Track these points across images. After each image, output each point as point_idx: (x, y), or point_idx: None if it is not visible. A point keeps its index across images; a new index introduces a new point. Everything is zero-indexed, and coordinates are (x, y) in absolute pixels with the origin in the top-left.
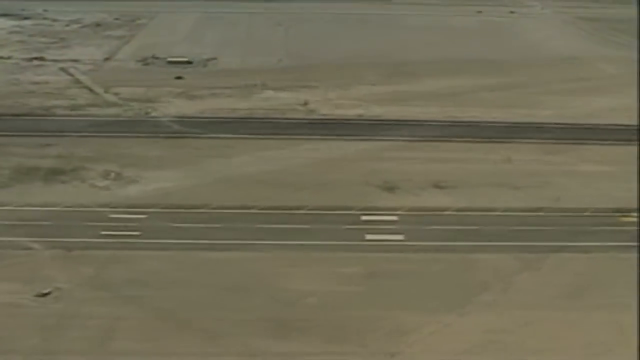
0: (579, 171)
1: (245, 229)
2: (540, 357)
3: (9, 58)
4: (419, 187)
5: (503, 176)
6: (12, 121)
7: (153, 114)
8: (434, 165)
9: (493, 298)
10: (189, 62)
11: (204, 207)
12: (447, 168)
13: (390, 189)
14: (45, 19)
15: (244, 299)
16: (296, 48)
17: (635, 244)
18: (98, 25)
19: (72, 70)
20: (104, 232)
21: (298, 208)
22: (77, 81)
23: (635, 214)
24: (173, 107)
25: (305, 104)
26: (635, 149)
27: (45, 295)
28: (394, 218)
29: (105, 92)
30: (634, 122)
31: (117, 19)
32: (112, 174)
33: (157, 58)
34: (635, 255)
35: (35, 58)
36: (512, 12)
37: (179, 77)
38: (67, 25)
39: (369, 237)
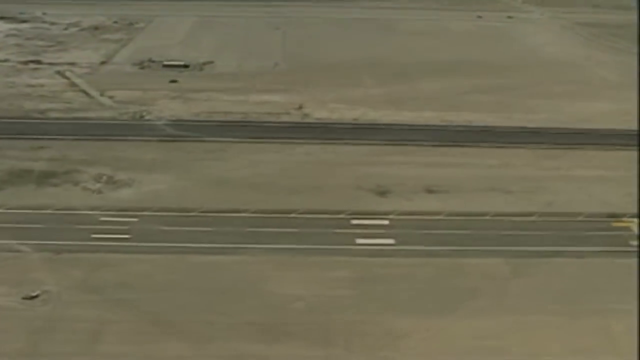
0: (572, 176)
1: (236, 232)
2: None
3: (5, 61)
4: (411, 192)
5: (496, 181)
6: (7, 124)
7: (148, 118)
8: (427, 169)
9: (483, 303)
10: (185, 66)
11: (195, 210)
12: (440, 172)
13: (382, 193)
14: (43, 22)
15: (232, 302)
16: (293, 52)
17: (628, 249)
18: (96, 28)
19: (68, 74)
20: (94, 235)
21: (289, 212)
22: (73, 84)
23: (628, 219)
24: (168, 111)
25: (300, 107)
26: (629, 153)
27: (33, 298)
28: (385, 222)
29: (101, 95)
30: (629, 127)
31: (115, 22)
32: (105, 177)
33: (153, 62)
34: (628, 260)
35: (32, 61)
36: (509, 17)
37: (173, 81)
38: (65, 29)
39: (359, 241)
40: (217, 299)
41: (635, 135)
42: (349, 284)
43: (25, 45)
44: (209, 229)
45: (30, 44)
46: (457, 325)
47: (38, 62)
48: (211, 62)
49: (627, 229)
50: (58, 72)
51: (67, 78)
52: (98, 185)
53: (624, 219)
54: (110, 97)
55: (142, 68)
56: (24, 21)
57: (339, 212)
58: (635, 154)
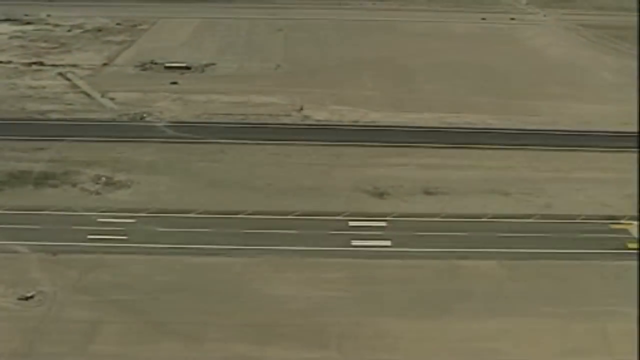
0: (571, 178)
1: (232, 234)
2: None
3: (8, 63)
4: (409, 194)
5: (494, 183)
6: (7, 125)
7: (148, 119)
8: (426, 171)
9: (478, 305)
10: (187, 68)
11: (192, 211)
12: (438, 174)
13: (380, 194)
14: (47, 24)
15: (227, 304)
16: (295, 54)
17: (625, 251)
18: (99, 30)
19: (70, 75)
20: (90, 236)
21: (286, 213)
22: (75, 86)
23: (627, 222)
24: (168, 112)
25: (301, 109)
26: (629, 155)
27: (28, 298)
28: (382, 224)
29: (102, 97)
30: (628, 129)
31: (119, 24)
32: (103, 179)
33: (155, 63)
34: (625, 263)
35: (34, 63)
36: (512, 18)
37: (174, 83)
38: (68, 31)
39: (354, 243)
40: (212, 300)
41: (635, 137)
42: (343, 286)
43: (28, 47)
44: (206, 230)
45: (33, 46)
46: (451, 328)
47: (41, 63)
48: (213, 64)
49: (625, 231)
50: (60, 74)
51: (69, 80)
52: (96, 187)
53: (622, 221)
54: (112, 99)
55: (144, 70)
56: (29, 23)
57: (336, 214)
58: (634, 155)
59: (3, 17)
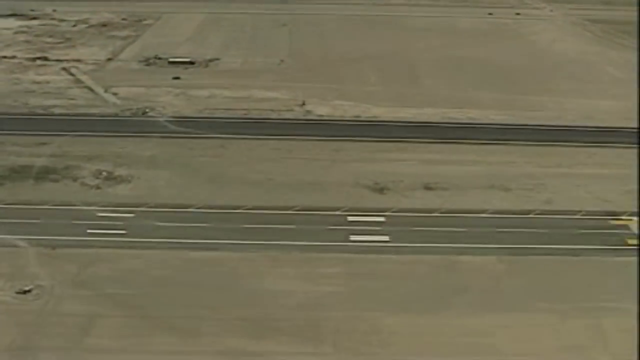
0: (572, 173)
1: (231, 228)
2: None
3: (12, 58)
4: (409, 189)
5: (495, 178)
6: (11, 120)
7: (150, 114)
8: (427, 166)
9: (474, 300)
10: (191, 63)
11: (192, 206)
12: (439, 169)
13: (381, 190)
14: (52, 19)
15: (224, 298)
16: (299, 48)
17: (625, 247)
18: (104, 25)
19: (73, 70)
20: (90, 231)
21: (286, 208)
22: (78, 81)
23: (627, 217)
24: (170, 107)
25: (303, 104)
26: (631, 151)
27: (26, 292)
28: (382, 219)
29: (105, 91)
30: (631, 124)
31: (124, 19)
32: (104, 173)
33: (159, 58)
34: (624, 259)
35: (39, 58)
36: (517, 13)
37: (176, 78)
38: (73, 26)
39: (353, 237)
40: (210, 294)
41: (636, 133)
42: (341, 281)
43: (33, 42)
44: (205, 224)
45: (38, 41)
46: (448, 323)
47: (45, 58)
48: (217, 59)
49: (625, 227)
50: (64, 69)
51: (73, 75)
52: (97, 181)
53: (623, 217)
54: (115, 94)
55: (148, 65)
56: (34, 18)
57: (335, 209)
58: (636, 151)
59: (9, 12)
